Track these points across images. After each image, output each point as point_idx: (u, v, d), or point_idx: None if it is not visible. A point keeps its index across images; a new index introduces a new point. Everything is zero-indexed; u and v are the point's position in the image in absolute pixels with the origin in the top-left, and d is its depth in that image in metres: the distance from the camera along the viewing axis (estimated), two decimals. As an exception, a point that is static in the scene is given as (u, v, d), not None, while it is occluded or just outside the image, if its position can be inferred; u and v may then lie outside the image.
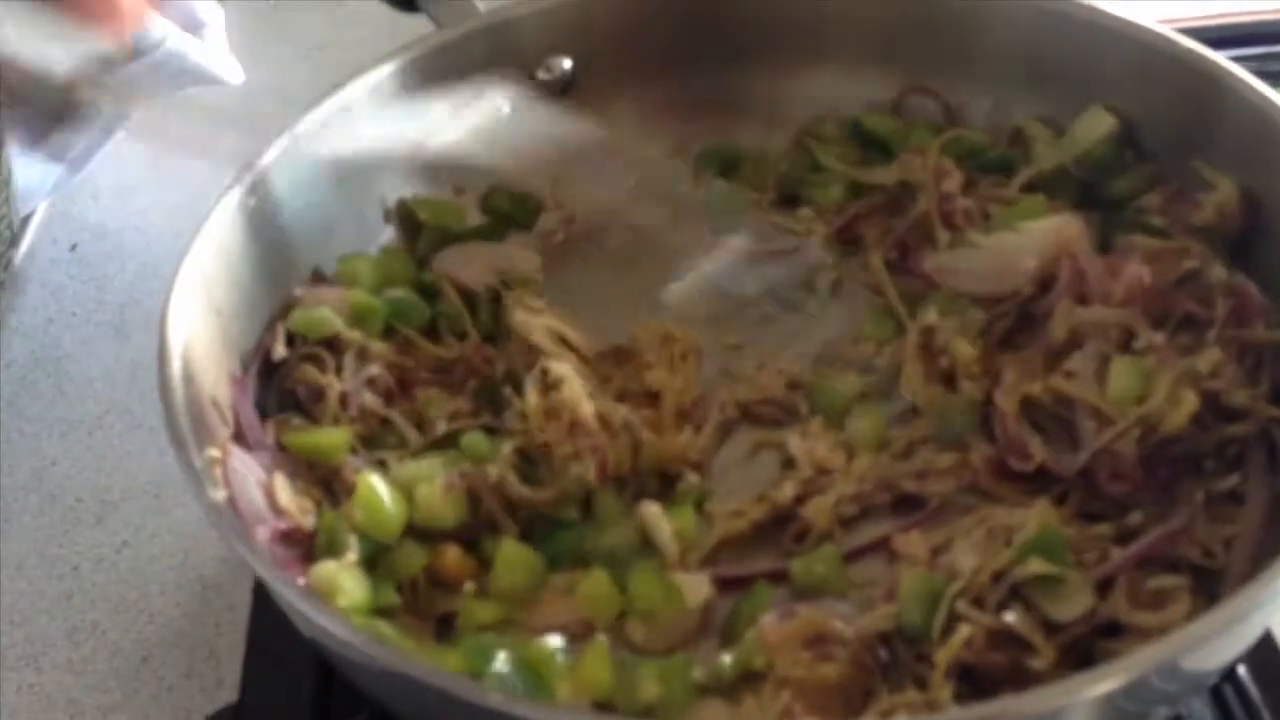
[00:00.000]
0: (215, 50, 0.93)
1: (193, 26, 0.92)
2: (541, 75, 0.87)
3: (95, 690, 0.74)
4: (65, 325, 0.94)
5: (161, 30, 0.87)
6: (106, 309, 0.95)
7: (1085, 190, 0.79)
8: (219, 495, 0.62)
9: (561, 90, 0.87)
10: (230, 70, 0.94)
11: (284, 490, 0.68)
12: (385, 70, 0.81)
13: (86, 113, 0.91)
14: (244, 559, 0.59)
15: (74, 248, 0.99)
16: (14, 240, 0.90)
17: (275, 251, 0.76)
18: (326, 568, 0.65)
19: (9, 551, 0.81)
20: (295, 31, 1.14)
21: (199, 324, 0.69)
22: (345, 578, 0.65)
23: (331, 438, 0.71)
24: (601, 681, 0.62)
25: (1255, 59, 1.38)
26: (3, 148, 0.87)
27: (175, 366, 0.65)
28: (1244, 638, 0.59)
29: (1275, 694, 0.67)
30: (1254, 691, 0.67)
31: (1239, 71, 0.74)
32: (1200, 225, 0.73)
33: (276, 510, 0.66)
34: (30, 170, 0.94)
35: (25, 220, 0.97)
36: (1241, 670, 0.67)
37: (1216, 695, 0.67)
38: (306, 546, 0.67)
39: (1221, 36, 1.35)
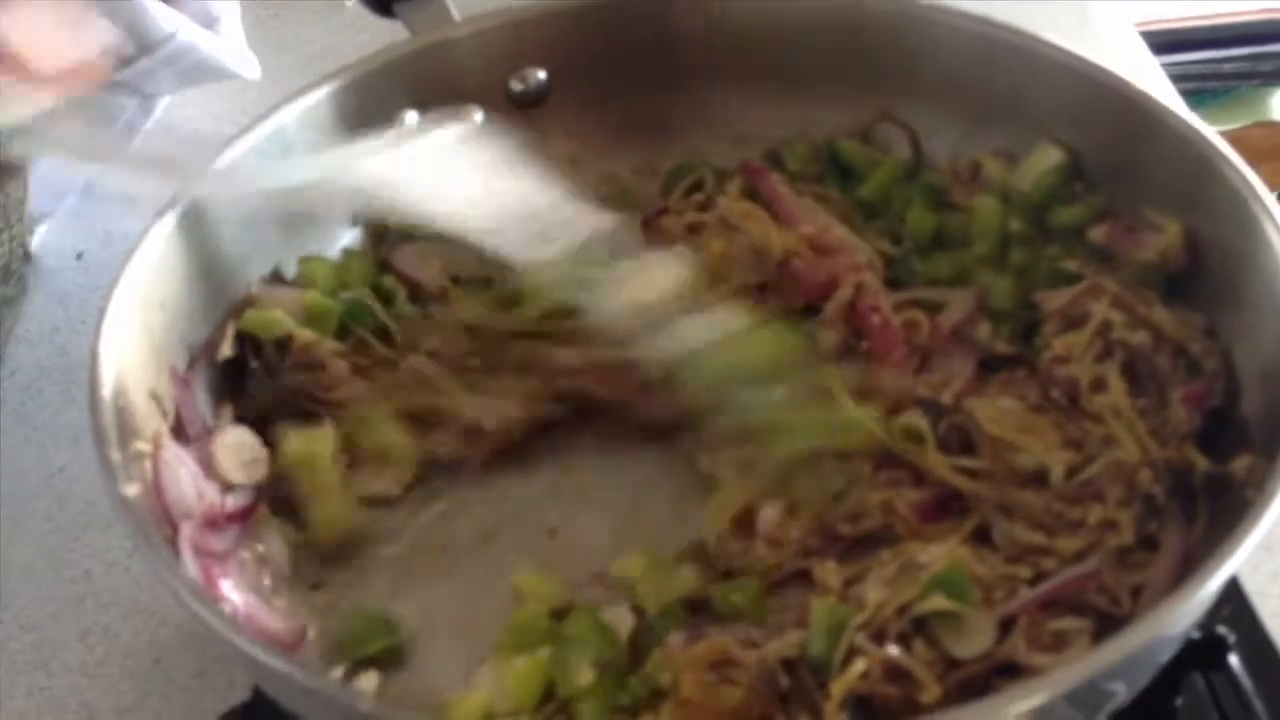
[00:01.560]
0: (230, 44, 0.93)
1: (206, 21, 0.92)
2: (515, 86, 0.88)
3: (108, 693, 0.76)
4: (72, 333, 0.96)
5: (171, 23, 0.87)
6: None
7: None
8: (131, 490, 0.63)
9: (535, 101, 0.89)
10: (246, 64, 0.94)
11: (225, 454, 0.71)
12: (351, 76, 0.83)
13: (110, 111, 0.91)
14: (148, 561, 0.60)
15: (80, 256, 1.01)
16: (26, 256, 0.91)
17: (230, 250, 0.78)
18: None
19: (19, 557, 0.83)
20: (295, 40, 1.16)
21: (140, 319, 0.71)
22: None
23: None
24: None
25: (1246, 59, 1.40)
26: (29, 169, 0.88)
27: (106, 361, 0.67)
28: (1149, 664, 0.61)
29: (1267, 685, 0.68)
30: (1246, 683, 0.68)
31: (1170, 104, 0.75)
32: (1142, 261, 0.75)
33: (211, 477, 0.70)
34: (59, 169, 0.95)
35: (33, 229, 0.98)
36: (1234, 661, 0.68)
37: (1209, 686, 0.68)
38: (235, 532, 0.70)
39: (1213, 37, 1.37)
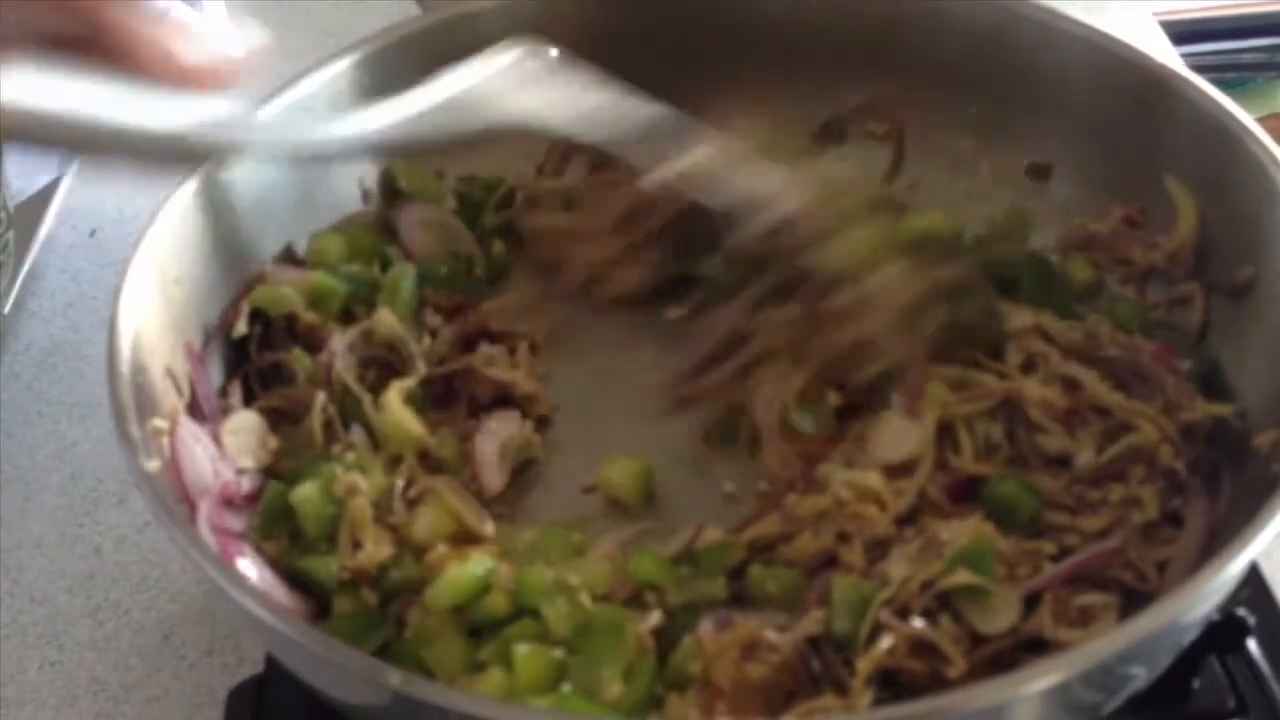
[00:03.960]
0: (216, 22, 0.93)
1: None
2: (527, 64, 0.88)
3: (117, 668, 0.76)
4: (85, 309, 0.96)
5: (165, 4, 0.88)
6: (122, 292, 0.97)
7: None
8: (152, 466, 0.62)
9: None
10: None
11: (231, 439, 0.70)
12: (362, 54, 0.82)
13: None
14: (169, 533, 0.60)
15: (93, 233, 1.01)
16: (10, 223, 0.91)
17: (245, 224, 0.77)
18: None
19: (31, 531, 0.83)
20: (305, 17, 1.16)
21: (156, 296, 0.70)
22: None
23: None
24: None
25: (1264, 50, 1.40)
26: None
27: (124, 337, 0.66)
28: (1170, 646, 0.60)
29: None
30: (1264, 666, 0.68)
31: (1191, 76, 0.75)
32: (1148, 267, 0.76)
33: (222, 457, 0.69)
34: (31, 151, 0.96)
35: (44, 205, 0.99)
36: (1252, 645, 0.68)
37: (1226, 669, 0.68)
38: (250, 513, 0.69)
39: (1231, 28, 1.37)
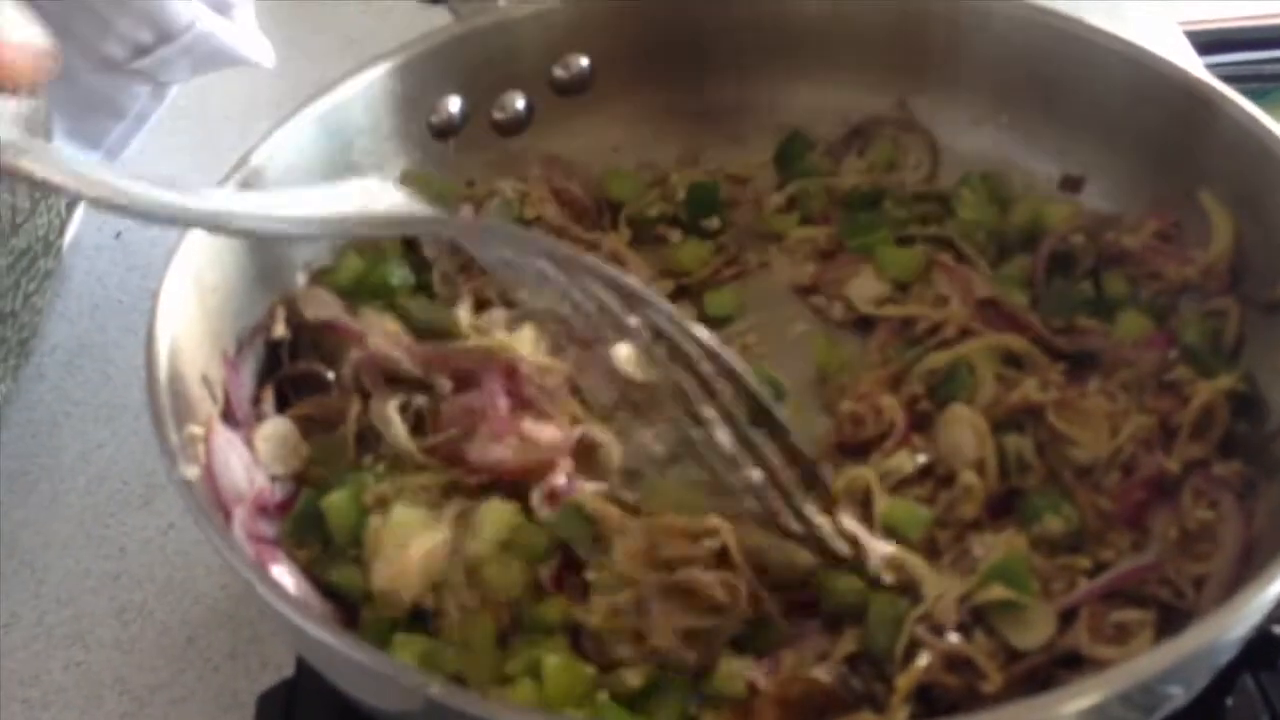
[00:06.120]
0: (245, 31, 0.92)
1: (221, 7, 0.91)
2: (558, 73, 0.88)
3: (142, 669, 0.76)
4: (110, 311, 0.96)
5: (191, 12, 0.87)
6: (150, 296, 0.96)
7: None
8: (191, 473, 0.63)
9: (577, 89, 0.88)
10: (261, 51, 0.93)
11: (264, 445, 0.70)
12: (397, 62, 0.82)
13: (123, 99, 0.92)
14: (210, 539, 0.60)
15: (118, 235, 1.01)
16: (62, 229, 0.91)
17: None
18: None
19: (57, 532, 0.83)
20: (333, 23, 1.16)
21: (193, 304, 0.70)
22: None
23: None
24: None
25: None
26: (50, 137, 0.88)
27: (162, 344, 0.66)
28: (1208, 666, 0.60)
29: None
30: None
31: (1230, 93, 0.75)
32: (1181, 281, 0.76)
33: (256, 464, 0.69)
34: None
35: (70, 208, 0.99)
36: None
37: (1259, 686, 0.67)
38: (282, 518, 0.69)
39: (1254, 39, 1.37)
